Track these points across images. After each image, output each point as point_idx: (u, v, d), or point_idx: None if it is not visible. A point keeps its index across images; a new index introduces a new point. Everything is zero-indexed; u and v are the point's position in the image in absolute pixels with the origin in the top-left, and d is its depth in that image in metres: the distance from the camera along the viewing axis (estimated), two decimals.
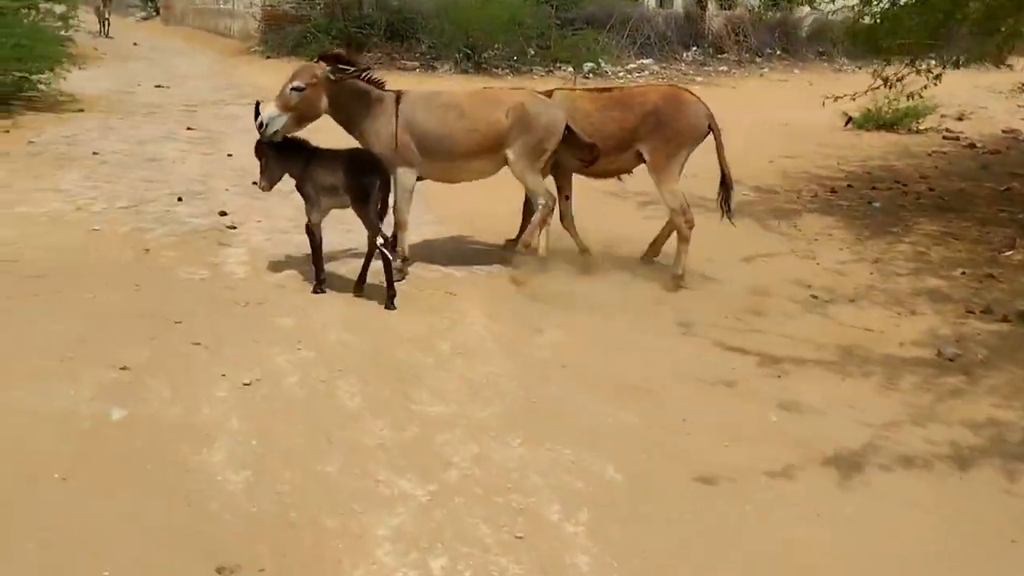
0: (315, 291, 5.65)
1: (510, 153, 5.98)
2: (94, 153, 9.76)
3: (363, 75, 5.80)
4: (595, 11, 24.23)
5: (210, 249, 6.67)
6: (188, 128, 11.94)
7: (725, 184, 6.29)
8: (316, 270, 5.71)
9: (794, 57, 25.39)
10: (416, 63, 22.09)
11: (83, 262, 6.15)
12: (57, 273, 5.85)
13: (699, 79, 21.08)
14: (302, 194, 5.61)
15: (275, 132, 5.51)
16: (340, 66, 5.63)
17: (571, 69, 22.61)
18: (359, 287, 5.69)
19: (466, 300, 5.91)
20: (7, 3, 13.62)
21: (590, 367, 5.06)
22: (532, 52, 22.63)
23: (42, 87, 13.02)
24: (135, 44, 24.22)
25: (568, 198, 6.45)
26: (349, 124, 5.88)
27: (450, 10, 22.69)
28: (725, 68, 23.67)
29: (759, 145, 11.79)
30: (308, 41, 22.64)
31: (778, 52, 25.41)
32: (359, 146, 5.81)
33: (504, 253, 6.59)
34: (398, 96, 5.92)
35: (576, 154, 6.10)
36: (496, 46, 22.64)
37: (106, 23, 27.89)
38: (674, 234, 6.42)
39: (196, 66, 21.22)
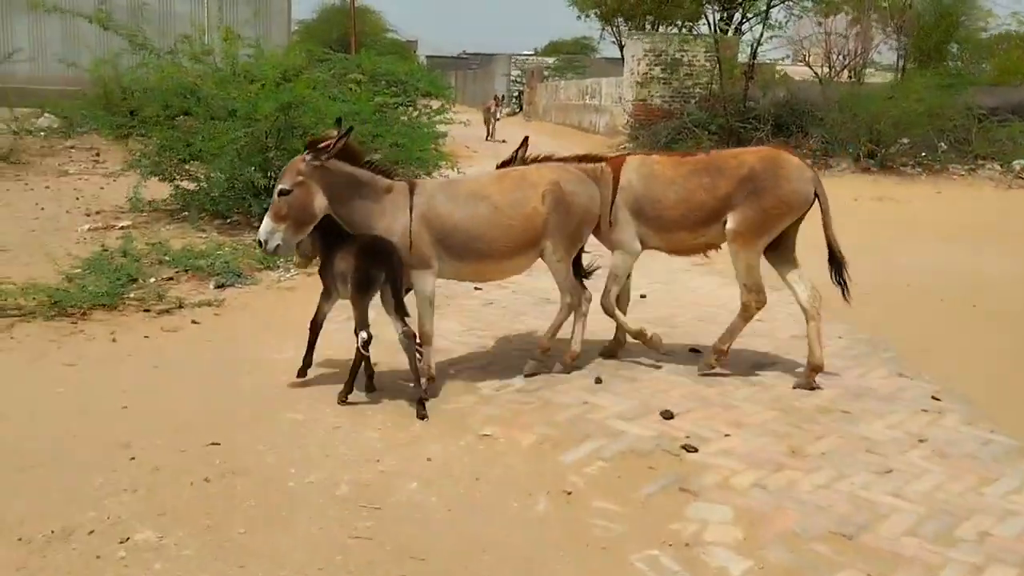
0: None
1: (548, 244, 5.11)
2: (476, 288, 7.77)
3: (367, 162, 4.94)
4: None
5: (668, 504, 3.81)
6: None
7: (835, 260, 5.41)
8: (307, 353, 5.13)
9: None
10: (808, 160, 19.20)
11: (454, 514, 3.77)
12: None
13: None
14: (322, 282, 5.03)
15: (277, 247, 4.76)
16: (322, 149, 4.71)
17: (998, 167, 18.67)
18: (344, 395, 4.83)
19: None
20: (389, 100, 12.95)
21: None
22: (944, 146, 19.04)
23: None
24: (503, 141, 23.66)
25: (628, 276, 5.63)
26: (352, 222, 4.87)
27: (852, 101, 19.69)
28: None
29: None
30: (683, 137, 20.71)
31: None
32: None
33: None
34: (411, 186, 5.01)
35: None
36: (903, 141, 19.33)
37: (493, 126, 26.58)
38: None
39: None
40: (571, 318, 5.41)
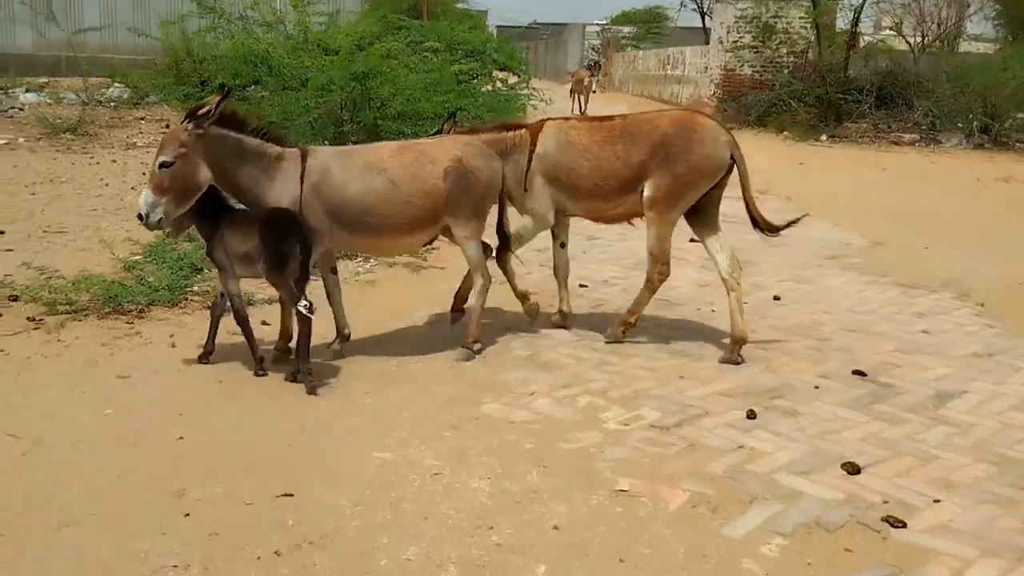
0: (256, 373, 4.60)
1: (450, 221, 4.87)
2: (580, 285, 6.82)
3: (254, 129, 4.62)
4: None
5: None
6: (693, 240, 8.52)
7: (759, 227, 5.18)
8: (251, 349, 4.67)
9: None
10: (914, 135, 17.82)
11: None
12: None
13: None
14: (212, 261, 4.74)
15: (160, 221, 4.48)
16: (203, 116, 4.41)
17: None
18: (301, 373, 4.49)
19: None
20: (465, 69, 12.13)
21: None
22: None
23: None
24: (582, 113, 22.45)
25: (564, 245, 5.52)
26: (239, 192, 4.61)
27: (962, 72, 18.19)
28: None
29: None
30: (777, 109, 19.40)
31: None
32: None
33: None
34: (304, 153, 4.72)
35: None
36: (1018, 115, 17.86)
37: (585, 100, 22.90)
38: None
39: None
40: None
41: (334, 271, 5.08)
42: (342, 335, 5.02)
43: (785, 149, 16.56)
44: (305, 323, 4.43)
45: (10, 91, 18.58)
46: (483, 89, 12.67)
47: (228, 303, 4.72)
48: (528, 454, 3.76)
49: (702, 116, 5.12)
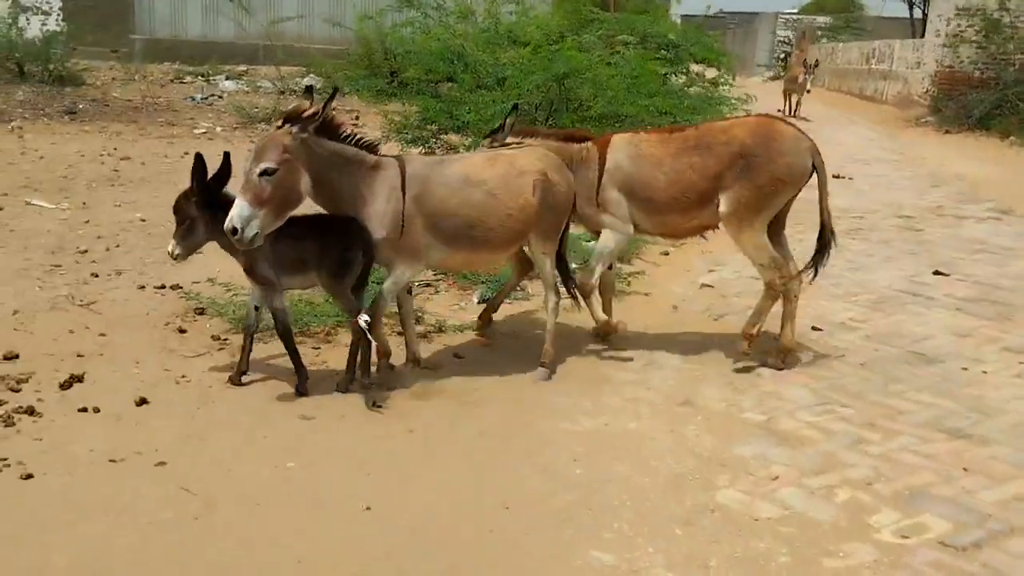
0: (298, 391, 4.28)
1: (533, 237, 4.70)
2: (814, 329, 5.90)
3: (348, 136, 4.28)
4: None
5: None
6: (937, 273, 7.07)
7: (824, 239, 4.93)
8: (297, 369, 4.33)
9: None
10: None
11: None
12: None
13: None
14: (254, 277, 4.30)
15: (255, 236, 4.00)
16: (308, 119, 4.08)
17: None
18: (346, 383, 4.34)
19: None
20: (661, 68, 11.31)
21: None
22: None
23: None
24: (806, 119, 19.50)
25: (611, 267, 5.35)
26: (337, 207, 4.29)
27: None
28: None
29: None
30: (1003, 112, 17.40)
31: None
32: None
33: None
34: (402, 164, 4.39)
35: None
36: None
37: (798, 101, 20.73)
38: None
39: (854, 138, 17.13)
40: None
41: (409, 291, 4.76)
42: (414, 360, 4.73)
43: (1013, 156, 14.76)
44: (362, 336, 4.23)
45: (212, 79, 19.26)
46: (688, 89, 11.75)
47: (256, 320, 4.44)
48: (785, 572, 3.00)
49: (781, 123, 4.94)
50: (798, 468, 3.73)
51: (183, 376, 4.42)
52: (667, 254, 7.33)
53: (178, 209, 4.27)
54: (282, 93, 15.35)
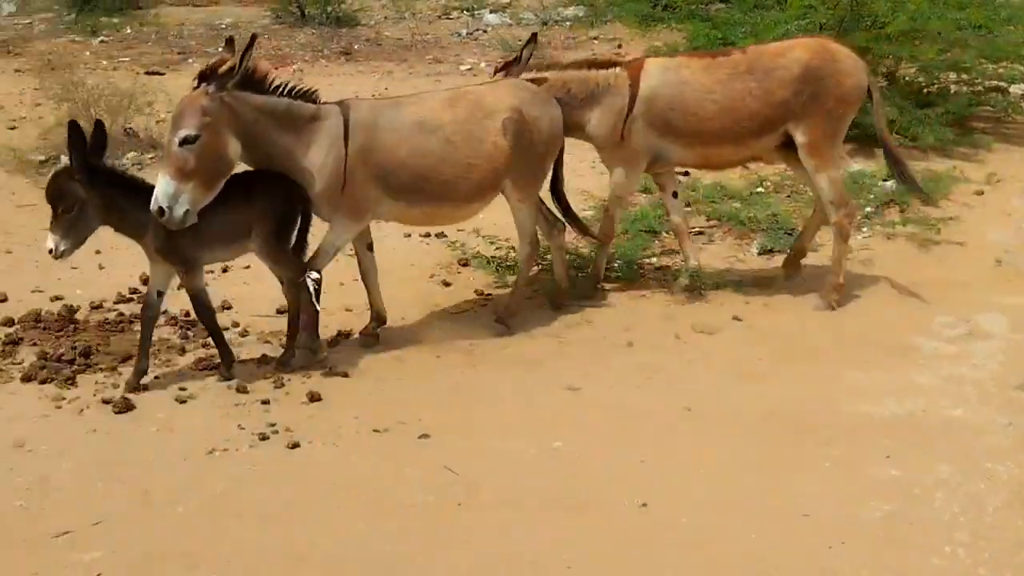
0: (225, 377, 3.80)
1: (509, 183, 4.19)
2: None
3: (277, 87, 3.84)
4: None
5: None
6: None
7: (892, 157, 4.73)
8: (221, 351, 3.86)
9: None
10: None
11: None
12: None
13: None
14: (170, 257, 3.75)
15: (186, 214, 3.62)
16: (224, 75, 3.65)
17: None
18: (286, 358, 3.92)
19: None
20: None
21: None
22: None
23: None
24: None
25: (676, 195, 4.80)
26: (271, 164, 3.87)
27: None
28: None
29: None
30: None
31: None
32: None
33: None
34: (345, 110, 3.97)
35: None
36: None
37: None
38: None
39: None
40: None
41: (370, 248, 4.37)
42: (380, 319, 4.35)
43: None
44: (309, 301, 3.89)
45: (476, 12, 19.37)
46: None
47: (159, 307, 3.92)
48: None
49: (832, 42, 4.74)
50: None
51: (446, 336, 4.26)
52: (981, 193, 6.27)
53: (59, 193, 3.63)
54: (544, 24, 15.08)
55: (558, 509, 2.94)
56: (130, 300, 4.62)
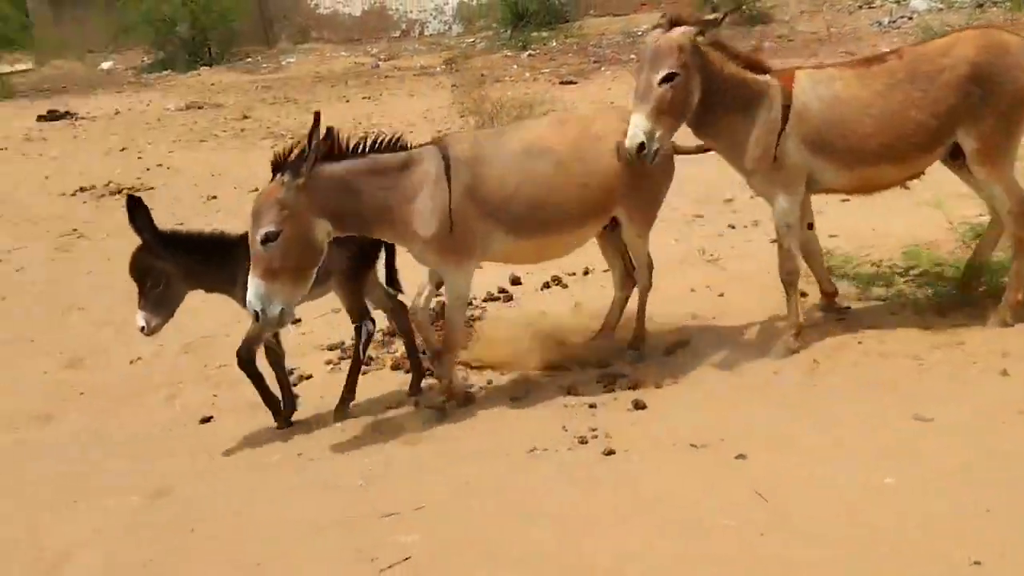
0: (281, 425, 3.99)
1: (622, 213, 4.03)
2: None
3: (355, 147, 3.72)
4: None
5: None
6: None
7: None
8: (283, 395, 4.06)
9: None
10: None
11: None
12: None
13: None
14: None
15: (283, 313, 3.58)
16: (297, 163, 3.54)
17: None
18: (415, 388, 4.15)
19: None
20: None
21: None
22: None
23: None
24: None
25: (811, 226, 4.42)
26: (371, 230, 3.80)
27: None
28: None
29: None
30: None
31: None
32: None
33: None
34: (443, 148, 3.85)
35: None
36: None
37: None
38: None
39: None
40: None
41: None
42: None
43: None
44: (359, 353, 4.03)
45: (902, 1, 17.81)
46: None
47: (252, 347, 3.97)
48: None
49: (1003, 33, 4.12)
50: None
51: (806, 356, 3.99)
52: None
53: (143, 271, 3.72)
54: (979, 6, 13.42)
55: (870, 557, 2.60)
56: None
